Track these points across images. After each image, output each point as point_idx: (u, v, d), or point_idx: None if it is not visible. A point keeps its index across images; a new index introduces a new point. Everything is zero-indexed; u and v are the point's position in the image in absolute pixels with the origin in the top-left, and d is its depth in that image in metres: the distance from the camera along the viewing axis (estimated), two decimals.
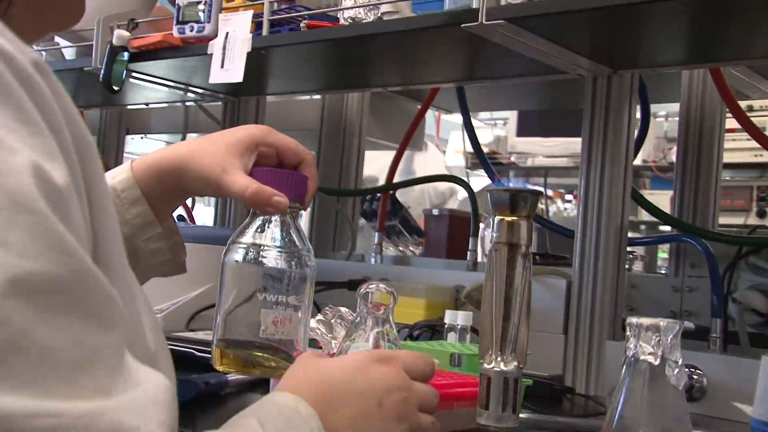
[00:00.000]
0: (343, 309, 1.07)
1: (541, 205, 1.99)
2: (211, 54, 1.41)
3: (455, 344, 1.11)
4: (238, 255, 0.83)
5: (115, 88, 1.52)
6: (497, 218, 0.73)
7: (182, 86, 1.81)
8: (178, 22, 1.45)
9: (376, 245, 1.92)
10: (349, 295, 1.57)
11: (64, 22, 0.64)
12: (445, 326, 1.17)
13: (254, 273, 0.82)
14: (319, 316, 1.08)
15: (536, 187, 0.84)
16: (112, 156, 2.36)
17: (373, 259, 1.86)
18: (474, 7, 1.11)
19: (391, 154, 2.19)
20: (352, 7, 1.25)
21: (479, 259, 1.70)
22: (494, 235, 0.73)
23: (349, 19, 1.29)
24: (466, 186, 1.82)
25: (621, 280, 1.34)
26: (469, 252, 1.77)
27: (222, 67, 1.39)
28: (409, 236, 2.14)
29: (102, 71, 1.53)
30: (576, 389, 1.32)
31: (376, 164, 2.73)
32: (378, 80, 1.73)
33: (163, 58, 1.51)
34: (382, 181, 2.87)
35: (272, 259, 0.82)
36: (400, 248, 2.24)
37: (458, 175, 3.18)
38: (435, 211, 2.08)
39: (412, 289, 1.43)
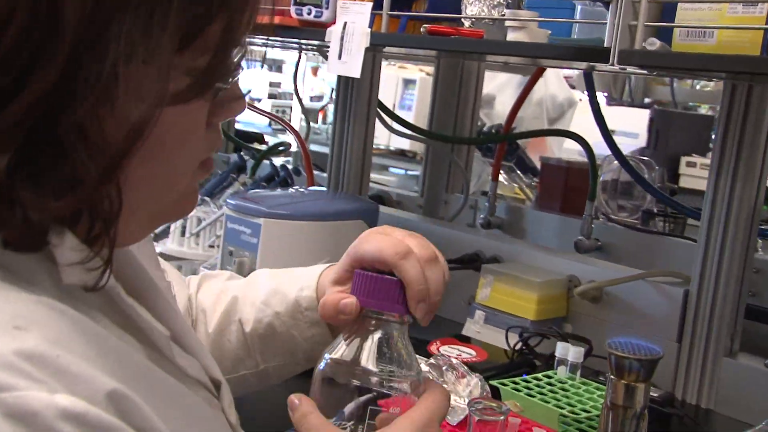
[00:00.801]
0: (453, 360, 1.09)
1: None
2: (329, 42, 1.38)
3: (568, 389, 1.12)
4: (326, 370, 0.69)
5: None
6: (614, 379, 0.72)
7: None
8: (295, 3, 1.42)
9: (490, 194, 1.91)
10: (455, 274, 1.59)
11: (179, 215, 0.64)
12: (556, 358, 1.17)
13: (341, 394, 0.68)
14: (431, 361, 1.11)
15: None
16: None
17: (482, 218, 1.85)
18: (606, 45, 1.04)
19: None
20: (475, 17, 1.19)
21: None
22: (610, 394, 0.73)
23: (471, 19, 1.23)
24: (584, 143, 1.76)
25: (744, 292, 1.31)
26: (584, 217, 1.75)
27: (340, 58, 1.36)
28: (524, 176, 2.12)
29: None
30: (687, 401, 1.32)
31: (494, 82, 2.65)
32: None
33: (282, 37, 1.49)
34: (500, 100, 2.80)
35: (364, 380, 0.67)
36: (515, 184, 2.22)
37: (575, 88, 3.08)
38: (552, 161, 2.03)
39: (525, 282, 1.43)
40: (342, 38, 1.36)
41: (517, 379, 1.13)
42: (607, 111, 3.01)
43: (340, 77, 1.82)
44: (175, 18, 0.49)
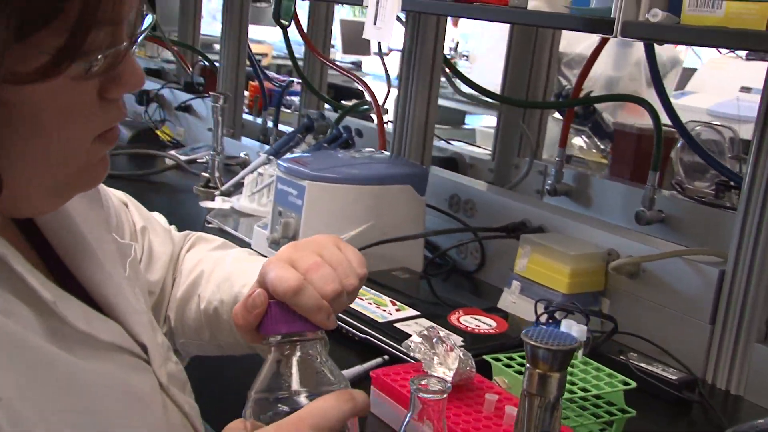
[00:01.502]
0: (442, 333, 1.10)
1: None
2: (366, 7, 1.39)
3: None
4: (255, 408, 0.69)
5: (284, 23, 1.55)
6: (529, 367, 0.72)
7: None
8: None
9: (557, 160, 1.87)
10: (505, 243, 1.57)
11: (89, 185, 0.69)
12: None
13: None
14: (424, 332, 1.12)
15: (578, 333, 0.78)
16: None
17: (549, 185, 1.81)
18: (612, 16, 1.00)
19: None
20: None
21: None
22: (525, 382, 0.72)
23: None
24: (651, 110, 1.69)
25: None
26: (646, 187, 1.68)
27: (375, 23, 1.37)
28: (600, 142, 2.05)
29: (274, 7, 1.56)
30: (716, 386, 1.27)
31: (586, 42, 2.56)
32: None
33: (333, 2, 1.51)
34: None
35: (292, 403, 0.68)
36: (593, 150, 2.15)
37: None
38: (626, 127, 1.95)
39: (559, 254, 1.40)
40: (377, 3, 1.37)
41: (514, 355, 1.13)
42: (746, 66, 2.83)
43: (406, 39, 1.82)
44: (11, 6, 0.53)
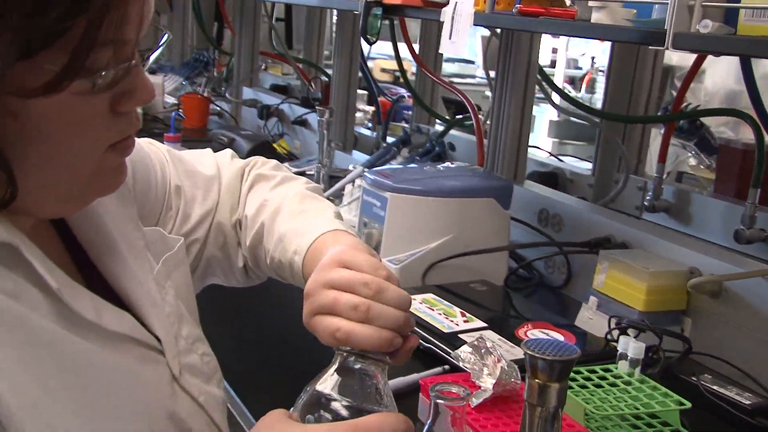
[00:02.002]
0: (489, 344, 1.10)
1: None
2: (443, 22, 1.41)
3: (619, 384, 1.08)
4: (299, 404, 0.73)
5: (371, 39, 1.59)
6: (529, 377, 0.72)
7: None
8: None
9: (656, 176, 1.81)
10: (591, 258, 1.55)
11: (103, 191, 0.74)
12: (618, 352, 1.13)
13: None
14: (474, 343, 1.13)
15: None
16: None
17: (647, 201, 1.76)
18: (666, 27, 0.98)
19: None
20: None
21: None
22: (526, 392, 0.72)
23: None
24: (754, 124, 1.62)
25: None
26: (746, 204, 1.61)
27: (450, 38, 1.39)
28: (707, 158, 1.97)
29: (360, 23, 1.61)
30: None
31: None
32: None
33: (408, 16, 1.54)
34: (710, 73, 2.59)
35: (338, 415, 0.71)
36: (701, 166, 2.07)
37: None
38: (731, 143, 1.87)
39: (637, 270, 1.37)
40: (453, 18, 1.39)
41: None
42: None
43: (501, 52, 1.83)
44: (16, 27, 0.58)
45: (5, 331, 0.62)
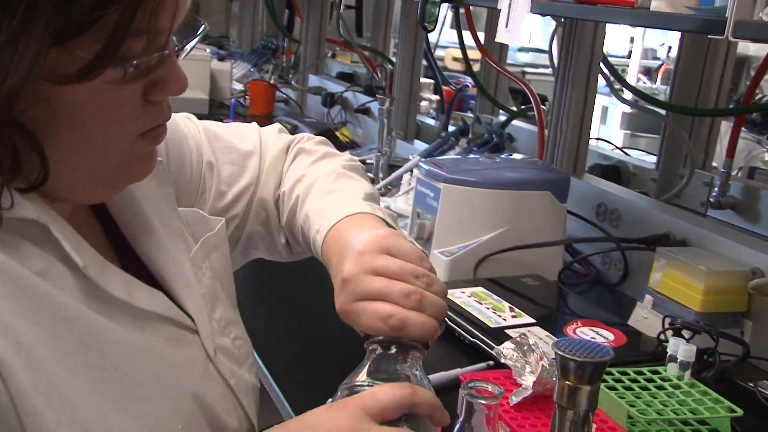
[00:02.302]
0: (536, 341, 1.07)
1: None
2: (500, 10, 1.38)
3: (666, 388, 1.05)
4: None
5: (428, 27, 1.57)
6: (560, 379, 0.69)
7: None
8: None
9: (723, 171, 1.75)
10: (649, 255, 1.50)
11: (132, 178, 0.75)
12: (668, 354, 1.09)
13: None
14: (517, 339, 1.10)
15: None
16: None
17: (713, 197, 1.70)
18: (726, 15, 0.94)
19: None
20: None
21: None
22: (556, 394, 0.70)
23: None
24: None
25: None
26: None
27: (506, 26, 1.36)
28: None
29: (419, 11, 1.59)
30: None
31: None
32: None
33: (467, 3, 1.51)
34: None
35: None
36: None
37: None
38: None
39: (694, 269, 1.32)
40: (510, 6, 1.36)
41: (614, 370, 1.08)
42: None
43: (564, 41, 1.79)
44: (50, 14, 0.59)
45: (29, 309, 0.63)
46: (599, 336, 1.26)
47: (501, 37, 1.37)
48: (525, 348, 1.06)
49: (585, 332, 1.27)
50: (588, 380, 0.69)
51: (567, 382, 0.69)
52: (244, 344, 0.87)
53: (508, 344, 1.08)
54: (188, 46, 0.73)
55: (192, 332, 0.79)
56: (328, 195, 0.93)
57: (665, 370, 1.09)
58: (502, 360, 1.08)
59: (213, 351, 0.80)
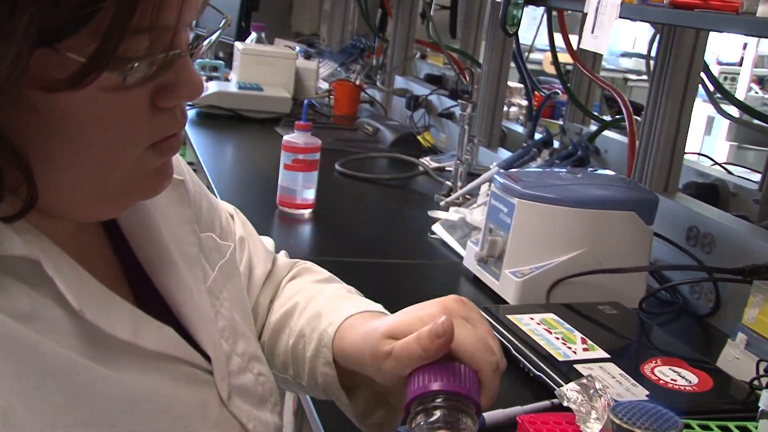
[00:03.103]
0: (603, 386, 0.95)
1: None
2: (586, 14, 1.27)
3: None
4: None
5: (510, 30, 1.47)
6: None
7: None
8: None
9: None
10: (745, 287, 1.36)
11: (142, 194, 0.67)
12: (759, 409, 0.96)
13: None
14: (583, 381, 0.99)
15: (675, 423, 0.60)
16: None
17: None
18: None
19: None
20: None
21: None
22: None
23: None
24: None
25: None
26: None
27: (592, 32, 1.24)
28: None
29: (500, 13, 1.48)
30: None
31: None
32: None
33: (552, 6, 1.40)
34: None
35: None
36: None
37: None
38: None
39: None
40: (597, 10, 1.24)
41: (693, 423, 0.96)
42: None
43: (661, 49, 1.65)
44: (34, 10, 0.51)
45: (10, 362, 0.55)
46: (681, 378, 1.13)
47: (586, 43, 1.25)
48: (591, 392, 0.94)
49: (665, 372, 1.14)
50: None
51: None
52: (267, 381, 0.79)
53: (572, 386, 0.97)
54: (206, 44, 0.65)
55: (206, 372, 0.71)
56: (341, 300, 0.86)
57: (755, 428, 0.96)
58: (565, 403, 0.96)
59: (227, 394, 0.72)
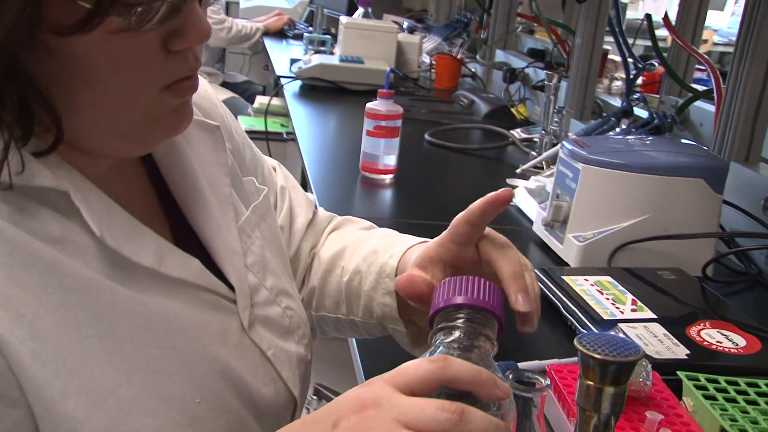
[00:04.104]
0: (650, 338, 0.97)
1: None
2: None
3: None
4: None
5: None
6: (580, 379, 0.61)
7: None
8: None
9: None
10: None
11: (163, 133, 0.73)
12: None
13: None
14: (610, 333, 1.00)
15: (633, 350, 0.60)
16: None
17: None
18: None
19: None
20: None
21: None
22: (576, 395, 0.62)
23: None
24: None
25: None
26: None
27: None
28: None
29: None
30: None
31: None
32: None
33: None
34: None
35: None
36: None
37: None
38: None
39: None
40: None
41: (721, 378, 0.96)
42: None
43: (747, 11, 1.61)
44: None
45: (37, 278, 0.62)
46: (728, 341, 1.13)
47: (648, 7, 1.25)
48: None
49: (711, 334, 1.14)
50: (611, 381, 0.61)
51: (588, 382, 0.62)
52: (295, 315, 0.85)
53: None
54: None
55: (229, 301, 0.77)
56: (393, 237, 0.95)
57: None
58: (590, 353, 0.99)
59: (248, 322, 0.78)
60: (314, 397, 2.71)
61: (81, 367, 0.63)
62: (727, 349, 1.10)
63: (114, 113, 0.67)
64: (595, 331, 1.13)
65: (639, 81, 2.63)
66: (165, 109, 0.69)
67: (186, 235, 0.78)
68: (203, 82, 0.86)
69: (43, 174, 0.65)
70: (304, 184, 1.90)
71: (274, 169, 1.03)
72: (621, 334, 1.05)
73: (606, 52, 2.72)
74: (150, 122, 0.69)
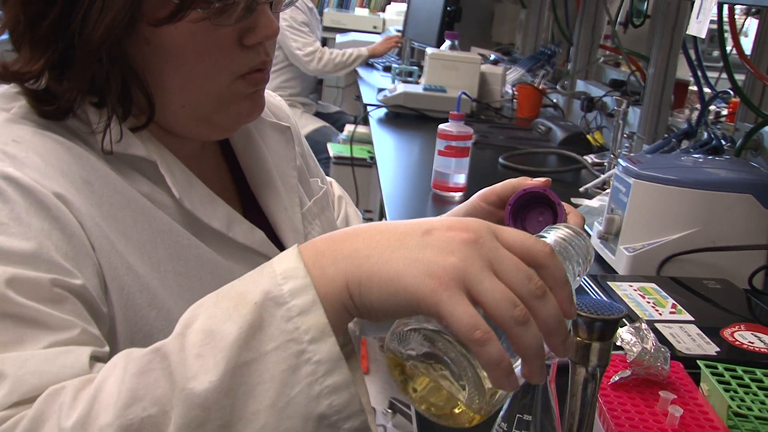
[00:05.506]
0: (684, 337, 1.04)
1: None
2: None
3: None
4: None
5: (636, 22, 1.55)
6: (571, 337, 0.70)
7: None
8: None
9: None
10: None
11: (233, 120, 0.86)
12: None
13: None
14: (636, 325, 1.08)
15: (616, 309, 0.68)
16: None
17: None
18: None
19: None
20: None
21: None
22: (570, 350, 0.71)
23: None
24: None
25: None
26: None
27: (697, 18, 1.32)
28: None
29: (627, 8, 1.58)
30: None
31: None
32: None
33: None
34: None
35: None
36: None
37: None
38: None
39: None
40: None
41: (739, 368, 1.03)
42: None
43: None
44: None
45: (131, 216, 0.76)
46: (759, 341, 1.19)
47: (691, 29, 1.33)
48: (641, 333, 1.05)
49: (744, 335, 1.20)
50: (598, 336, 0.70)
51: (577, 338, 0.71)
52: None
53: (628, 328, 1.08)
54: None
55: None
56: None
57: None
58: (618, 343, 1.07)
59: None
60: (389, 410, 2.82)
61: (161, 296, 0.76)
62: (757, 349, 1.16)
63: (197, 96, 0.81)
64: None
65: (725, 112, 2.67)
66: (240, 96, 0.83)
67: (254, 213, 0.91)
68: (279, 100, 1.01)
69: (136, 145, 0.80)
70: (382, 205, 2.02)
71: (331, 184, 1.18)
72: (652, 333, 1.12)
73: (687, 83, 2.77)
74: (224, 107, 0.83)
